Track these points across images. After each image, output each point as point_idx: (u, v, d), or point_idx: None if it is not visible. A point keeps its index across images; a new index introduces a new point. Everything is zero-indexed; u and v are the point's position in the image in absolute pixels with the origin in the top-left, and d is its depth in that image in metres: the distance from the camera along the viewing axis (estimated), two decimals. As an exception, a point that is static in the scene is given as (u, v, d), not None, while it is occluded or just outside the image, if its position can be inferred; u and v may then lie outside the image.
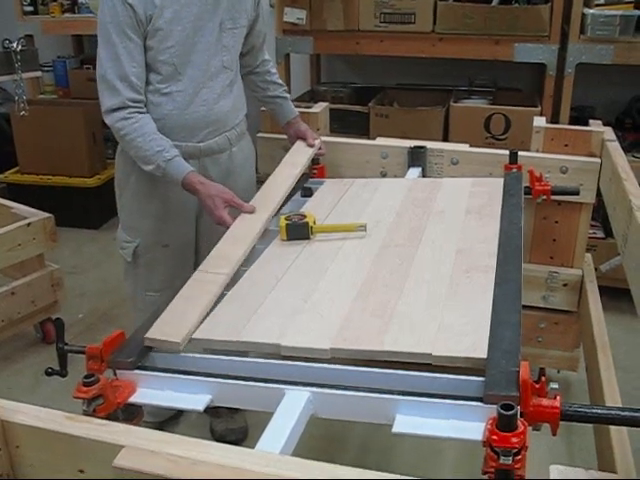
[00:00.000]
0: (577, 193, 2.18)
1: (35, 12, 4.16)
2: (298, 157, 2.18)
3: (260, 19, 2.14)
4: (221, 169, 2.09)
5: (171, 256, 2.12)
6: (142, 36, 1.86)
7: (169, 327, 1.38)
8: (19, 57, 2.96)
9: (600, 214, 3.06)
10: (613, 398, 1.78)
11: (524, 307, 1.41)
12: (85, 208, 4.06)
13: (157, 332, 1.37)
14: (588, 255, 2.48)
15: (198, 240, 2.16)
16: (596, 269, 2.52)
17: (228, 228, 1.81)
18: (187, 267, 2.07)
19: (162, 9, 1.85)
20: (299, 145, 2.27)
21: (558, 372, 2.55)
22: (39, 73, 3.30)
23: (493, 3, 3.14)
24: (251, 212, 1.86)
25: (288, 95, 2.32)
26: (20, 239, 2.69)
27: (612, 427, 1.61)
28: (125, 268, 2.19)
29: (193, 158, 2.01)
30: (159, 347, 1.36)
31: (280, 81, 2.31)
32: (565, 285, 2.37)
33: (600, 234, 3.17)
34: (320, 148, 2.29)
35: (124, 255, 2.14)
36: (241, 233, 1.73)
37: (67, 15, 4.15)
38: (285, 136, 2.39)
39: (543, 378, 1.15)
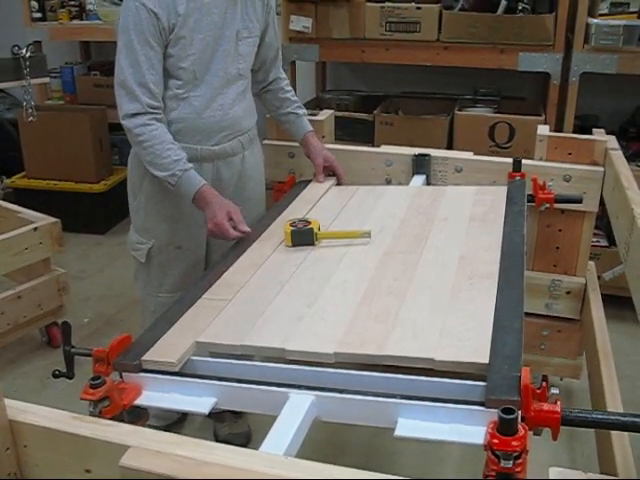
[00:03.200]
0: (580, 201, 2.19)
1: (43, 19, 4.19)
2: (314, 193, 2.19)
3: (271, 31, 2.16)
4: (234, 172, 2.12)
5: (183, 257, 2.13)
6: (163, 44, 1.89)
7: (166, 349, 1.37)
8: (28, 63, 2.98)
9: (603, 222, 3.06)
10: (615, 406, 1.79)
11: (527, 314, 1.43)
12: (91, 213, 4.08)
13: (154, 354, 1.36)
14: (591, 263, 2.49)
15: (209, 242, 2.17)
16: (599, 277, 2.53)
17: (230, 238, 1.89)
18: (199, 268, 2.13)
19: (185, 18, 1.88)
20: (317, 183, 2.28)
21: (561, 380, 2.56)
22: (47, 79, 3.32)
23: (498, 12, 3.15)
24: (243, 233, 1.90)
25: (301, 111, 2.31)
26: (27, 243, 2.71)
27: (613, 432, 1.62)
28: (137, 269, 2.21)
29: (207, 161, 2.05)
30: (157, 368, 1.34)
31: (294, 98, 2.31)
32: (568, 293, 2.38)
33: (603, 242, 3.17)
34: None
35: (137, 256, 2.15)
36: (247, 264, 1.73)
37: (75, 22, 4.18)
38: (290, 143, 2.43)
39: (544, 384, 1.17)
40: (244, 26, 2.03)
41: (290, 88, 2.31)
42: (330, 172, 2.30)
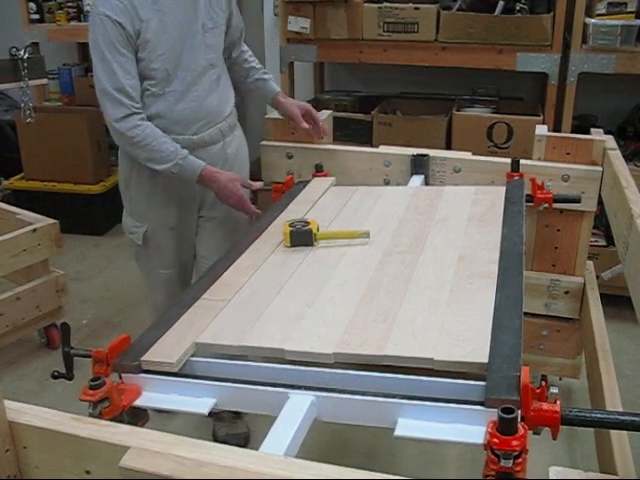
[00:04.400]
0: (578, 201, 2.20)
1: (41, 20, 4.18)
2: (313, 194, 2.20)
3: (234, 16, 2.26)
4: (215, 160, 2.19)
5: (177, 237, 2.28)
6: (133, 50, 1.99)
7: (165, 350, 1.37)
8: (26, 65, 2.97)
9: (602, 222, 3.07)
10: (614, 406, 1.79)
11: (526, 314, 1.42)
12: (89, 215, 4.08)
13: (153, 355, 1.36)
14: (590, 263, 2.49)
15: (199, 223, 2.33)
16: (598, 277, 2.53)
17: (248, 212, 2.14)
18: (189, 245, 2.33)
19: (148, 22, 1.98)
20: (315, 182, 2.30)
21: (560, 379, 2.56)
22: (45, 81, 3.31)
23: (496, 13, 3.15)
24: (260, 188, 2.24)
25: (267, 76, 2.40)
26: (25, 245, 2.71)
27: (613, 432, 1.62)
28: (136, 251, 2.34)
29: (188, 150, 2.10)
30: (156, 368, 1.34)
31: (258, 65, 2.41)
32: (567, 293, 2.38)
33: (602, 242, 3.17)
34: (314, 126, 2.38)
35: (134, 239, 2.27)
36: (246, 264, 1.73)
37: (73, 23, 4.17)
38: (288, 143, 2.45)
39: (544, 383, 1.17)
40: (209, 17, 2.11)
41: (253, 58, 2.41)
42: (311, 121, 2.36)
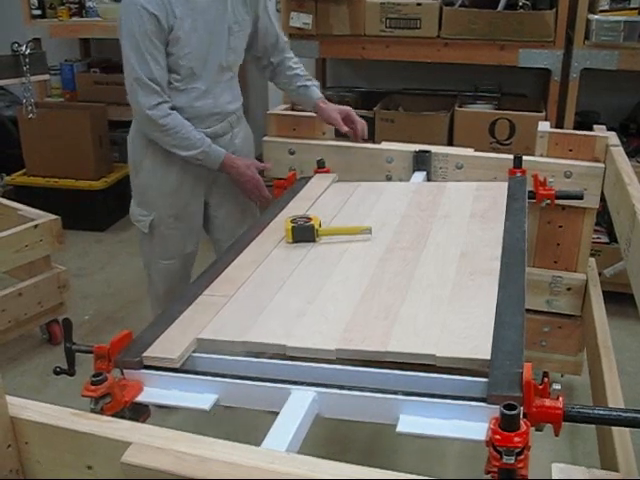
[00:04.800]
0: (581, 197, 2.19)
1: (43, 16, 4.18)
2: (315, 190, 2.20)
3: (264, 21, 2.31)
4: (224, 148, 2.25)
5: (182, 227, 2.33)
6: (164, 43, 2.05)
7: (167, 346, 1.37)
8: (28, 60, 2.97)
9: (604, 219, 3.06)
10: (616, 403, 1.79)
11: (528, 311, 1.42)
12: (91, 211, 4.08)
13: (155, 351, 1.36)
14: (592, 260, 2.49)
15: (208, 211, 2.40)
16: (600, 274, 2.53)
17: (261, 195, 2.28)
18: (194, 238, 2.39)
19: (182, 20, 2.04)
20: (317, 179, 2.30)
21: (562, 376, 2.56)
22: (47, 76, 3.31)
23: (498, 9, 3.14)
24: (270, 168, 2.38)
25: (309, 83, 2.40)
26: (27, 241, 2.71)
27: (614, 429, 1.62)
28: (141, 239, 2.40)
29: None
30: (157, 364, 1.34)
31: (302, 72, 2.41)
32: (569, 289, 2.38)
33: (604, 239, 3.17)
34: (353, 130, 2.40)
35: (141, 227, 2.33)
36: (248, 260, 1.73)
37: (75, 19, 4.17)
38: (290, 139, 2.47)
39: (546, 379, 1.17)
40: (235, 20, 2.18)
41: (298, 65, 2.42)
42: (351, 124, 2.38)
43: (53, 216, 2.82)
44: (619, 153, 2.14)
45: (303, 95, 2.40)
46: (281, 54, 2.39)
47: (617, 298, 2.64)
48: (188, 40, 2.07)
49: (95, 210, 4.09)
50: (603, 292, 2.36)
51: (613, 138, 2.27)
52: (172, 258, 2.37)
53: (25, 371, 2.82)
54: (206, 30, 2.10)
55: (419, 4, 3.12)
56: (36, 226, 2.74)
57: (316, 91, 2.40)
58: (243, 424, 2.13)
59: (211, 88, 2.18)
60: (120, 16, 2.05)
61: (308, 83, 2.40)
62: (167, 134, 2.12)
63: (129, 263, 3.73)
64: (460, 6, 3.21)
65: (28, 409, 1.11)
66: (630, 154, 3.01)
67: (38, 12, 4.17)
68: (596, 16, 2.89)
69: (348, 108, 2.41)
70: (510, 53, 3.09)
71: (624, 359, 2.63)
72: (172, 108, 2.13)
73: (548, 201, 2.18)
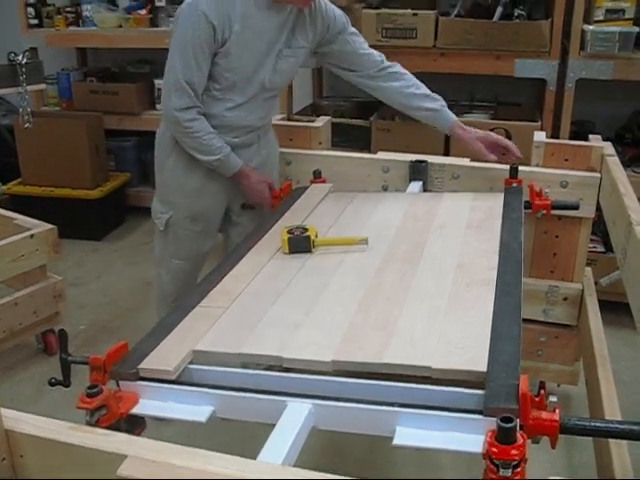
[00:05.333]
0: (577, 208, 2.19)
1: (40, 25, 4.19)
2: (311, 200, 2.20)
3: (340, 45, 2.28)
4: (250, 158, 2.29)
5: (197, 230, 2.34)
6: (213, 53, 2.08)
7: (163, 357, 1.37)
8: (24, 70, 2.97)
9: (600, 228, 3.07)
10: (613, 413, 1.79)
11: (524, 321, 1.42)
12: (88, 220, 4.07)
13: (151, 362, 1.35)
14: (588, 269, 2.49)
15: (231, 215, 2.42)
16: (596, 283, 2.53)
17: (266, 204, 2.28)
18: (210, 241, 2.40)
19: (238, 36, 2.06)
20: (313, 189, 2.30)
21: (558, 386, 2.56)
22: (43, 86, 3.31)
23: (494, 19, 3.16)
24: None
25: (436, 105, 2.30)
26: (23, 250, 2.70)
27: (611, 440, 1.62)
28: (156, 235, 2.42)
29: None
30: (153, 376, 1.34)
31: (420, 91, 2.30)
32: (565, 299, 2.38)
33: (600, 248, 3.18)
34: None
35: (157, 224, 2.36)
36: (245, 271, 1.73)
37: (72, 28, 4.18)
38: (287, 149, 2.47)
39: (542, 391, 1.16)
40: (287, 45, 2.19)
41: (409, 78, 2.32)
42: (503, 150, 2.29)
43: (49, 226, 2.81)
44: (615, 163, 2.15)
45: (432, 119, 2.32)
46: (378, 74, 2.31)
47: (613, 307, 2.64)
48: (238, 56, 2.09)
49: (91, 219, 4.09)
50: (599, 301, 2.36)
51: (609, 148, 2.28)
52: (184, 259, 2.38)
53: (21, 381, 2.81)
54: (257, 50, 2.12)
55: (415, 14, 3.14)
56: (32, 236, 2.73)
57: (446, 114, 2.29)
58: (240, 434, 2.13)
59: (246, 103, 2.19)
60: (177, 16, 2.08)
61: (431, 105, 2.29)
62: (189, 136, 2.14)
63: (125, 272, 3.72)
64: (456, 16, 3.23)
65: (23, 422, 1.10)
66: (626, 163, 3.03)
67: (35, 21, 4.18)
68: (591, 27, 2.91)
69: (490, 134, 2.30)
70: (506, 63, 3.11)
71: (620, 368, 2.63)
72: (203, 114, 2.15)
73: (544, 211, 2.18)
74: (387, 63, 2.33)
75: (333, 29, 2.24)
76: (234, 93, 2.16)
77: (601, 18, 2.90)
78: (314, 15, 2.19)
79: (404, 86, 2.31)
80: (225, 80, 2.13)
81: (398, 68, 2.34)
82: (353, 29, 2.31)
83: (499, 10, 3.17)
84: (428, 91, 2.32)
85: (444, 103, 2.32)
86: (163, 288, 2.46)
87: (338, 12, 2.26)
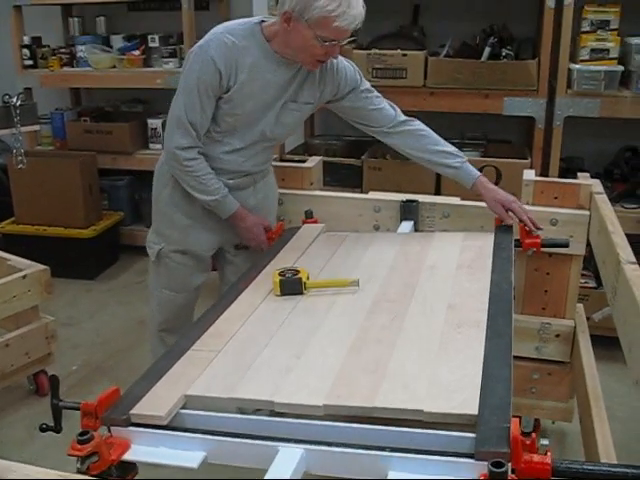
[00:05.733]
0: (567, 245, 2.21)
1: (35, 66, 4.24)
2: (303, 241, 2.22)
3: (351, 102, 2.26)
4: (244, 201, 2.28)
5: (188, 264, 2.34)
6: (217, 97, 2.10)
7: (155, 403, 1.36)
8: (18, 112, 3.00)
9: (592, 264, 3.07)
10: (607, 451, 1.78)
11: (517, 358, 1.43)
12: (81, 259, 4.06)
13: (143, 408, 1.35)
14: (580, 305, 2.50)
15: (225, 254, 2.42)
16: (588, 318, 2.53)
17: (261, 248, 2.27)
18: (200, 276, 2.39)
19: (242, 85, 2.08)
20: (305, 229, 2.32)
21: (553, 423, 2.55)
22: (37, 127, 3.35)
23: (482, 58, 3.22)
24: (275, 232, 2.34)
25: (456, 161, 2.26)
26: (15, 291, 2.70)
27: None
28: (150, 266, 2.43)
29: None
30: (145, 421, 1.33)
31: (438, 147, 2.28)
32: (557, 336, 2.38)
33: (592, 284, 3.19)
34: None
35: (150, 254, 2.37)
36: (237, 313, 1.74)
37: (66, 69, 4.23)
38: (279, 190, 2.48)
39: (534, 435, 1.17)
40: (293, 99, 2.18)
41: (428, 133, 2.30)
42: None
43: (42, 266, 2.81)
44: (603, 200, 2.17)
45: (453, 176, 2.27)
46: (392, 132, 2.30)
47: (606, 342, 2.64)
48: (241, 105, 2.10)
49: (84, 258, 4.08)
50: (592, 336, 2.37)
51: (597, 186, 2.31)
52: (174, 290, 2.38)
53: (11, 423, 2.79)
54: (262, 100, 2.13)
55: (404, 55, 3.19)
56: (24, 276, 2.73)
57: (468, 171, 2.25)
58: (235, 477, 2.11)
59: (246, 148, 2.21)
60: (189, 56, 2.11)
61: (451, 162, 2.25)
62: (187, 175, 2.16)
63: (118, 312, 3.71)
64: (445, 56, 3.28)
65: (13, 471, 1.09)
66: (614, 199, 3.06)
67: (30, 62, 4.23)
68: (577, 66, 2.96)
69: (510, 198, 2.19)
70: (495, 101, 3.16)
71: (614, 404, 2.63)
72: (201, 154, 2.16)
73: (534, 249, 2.19)
74: (402, 118, 2.29)
75: (344, 88, 2.23)
76: (233, 137, 2.18)
77: (586, 57, 2.96)
78: (324, 73, 2.18)
79: (422, 144, 2.28)
80: (225, 124, 2.14)
81: (416, 125, 2.30)
82: (367, 85, 2.28)
83: (487, 50, 3.23)
84: (448, 147, 2.28)
85: (464, 159, 2.27)
86: (153, 316, 2.47)
87: (350, 70, 2.24)
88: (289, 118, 2.21)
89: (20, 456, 1.13)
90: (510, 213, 2.20)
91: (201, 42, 2.08)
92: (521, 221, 2.18)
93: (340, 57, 2.19)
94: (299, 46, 2.01)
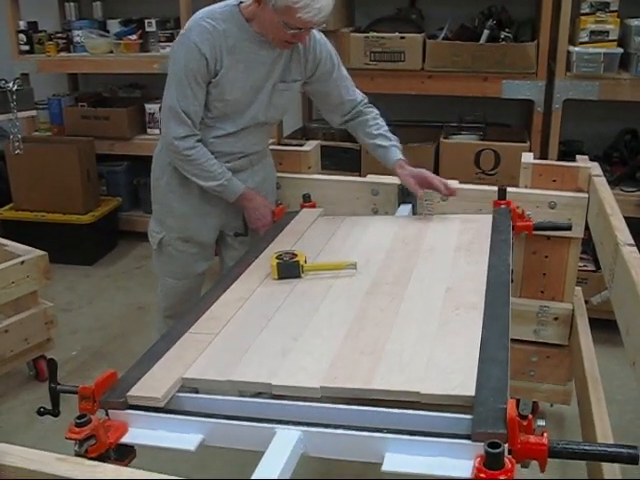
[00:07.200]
0: (569, 228, 2.20)
1: (31, 51, 4.21)
2: (300, 226, 2.21)
3: (325, 83, 2.28)
4: (244, 184, 2.27)
5: (190, 251, 2.35)
6: (206, 82, 2.10)
7: (152, 385, 1.37)
8: (15, 97, 2.98)
9: (591, 247, 3.07)
10: (604, 433, 1.79)
11: (515, 341, 1.43)
12: (79, 245, 4.06)
13: (140, 390, 1.35)
14: (578, 289, 2.50)
15: (225, 237, 2.41)
16: (587, 302, 2.54)
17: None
18: (203, 263, 2.39)
19: (227, 70, 2.08)
20: (304, 213, 2.31)
21: (551, 406, 2.56)
22: (34, 112, 3.32)
23: (481, 41, 3.20)
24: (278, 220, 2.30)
25: (386, 143, 2.31)
26: (14, 277, 2.70)
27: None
28: (153, 252, 2.44)
29: None
30: (142, 403, 1.33)
31: (377, 131, 2.33)
32: (556, 319, 2.38)
33: (591, 267, 3.18)
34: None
35: (151, 242, 2.38)
36: (234, 297, 1.74)
37: (63, 54, 4.20)
38: (277, 173, 2.47)
39: (530, 415, 1.17)
40: (282, 79, 2.20)
41: (375, 122, 2.35)
42: (429, 186, 2.25)
43: (40, 252, 2.81)
44: (602, 183, 2.17)
45: (381, 156, 2.33)
46: (350, 114, 2.35)
47: (605, 325, 2.63)
48: (229, 89, 2.11)
49: (83, 244, 4.07)
50: (590, 319, 2.37)
51: (596, 168, 2.30)
52: (178, 278, 2.38)
53: (11, 408, 2.79)
54: (250, 83, 2.13)
55: (402, 37, 3.18)
56: (23, 262, 2.73)
57: (394, 153, 2.30)
58: (233, 460, 2.12)
59: (239, 133, 2.21)
60: (174, 47, 2.13)
61: (385, 143, 2.32)
62: (190, 164, 2.16)
63: (117, 298, 3.71)
64: (443, 39, 3.26)
65: (11, 455, 1.10)
66: (614, 182, 3.06)
67: (26, 47, 4.20)
68: (576, 48, 2.95)
69: (422, 171, 2.26)
70: (493, 84, 3.14)
71: (613, 387, 2.63)
72: (199, 141, 2.16)
73: (526, 232, 2.19)
74: (363, 107, 2.35)
75: (323, 66, 2.25)
76: (225, 123, 2.17)
77: (586, 40, 2.94)
78: (307, 49, 2.19)
79: (370, 130, 2.33)
80: (216, 110, 2.14)
81: (369, 114, 2.35)
82: (344, 72, 2.32)
83: (486, 33, 3.21)
84: (387, 132, 2.34)
85: (396, 144, 2.33)
86: (159, 302, 2.49)
87: (332, 51, 2.27)
88: (281, 99, 2.23)
89: (20, 441, 1.13)
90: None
91: (183, 30, 2.09)
92: (433, 187, 2.23)
93: (322, 37, 2.23)
94: (268, 27, 2.04)
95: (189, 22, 2.09)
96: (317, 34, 2.21)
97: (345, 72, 2.33)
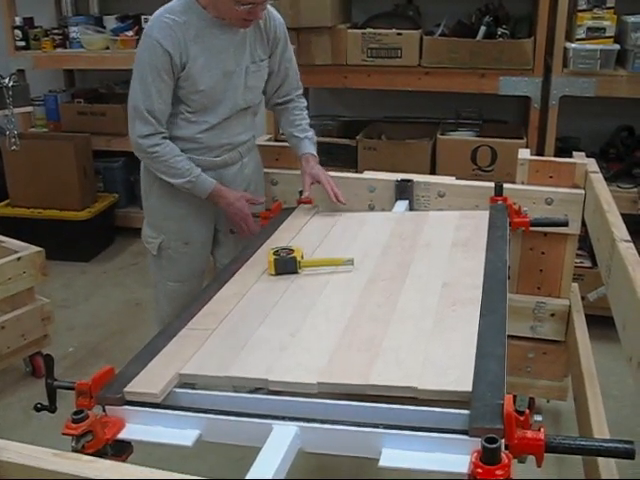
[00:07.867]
0: (566, 224, 2.20)
1: (27, 47, 4.20)
2: (297, 222, 2.21)
3: (274, 63, 2.30)
4: (234, 179, 2.32)
5: (191, 252, 2.35)
6: (175, 78, 2.10)
7: (149, 381, 1.37)
8: (11, 93, 2.98)
9: (587, 243, 3.08)
10: (601, 429, 1.79)
11: (512, 337, 1.43)
12: (76, 241, 4.05)
13: (137, 386, 1.35)
14: (575, 285, 2.50)
15: (217, 237, 2.42)
16: (584, 298, 2.54)
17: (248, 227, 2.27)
18: (203, 260, 2.42)
19: (195, 59, 2.09)
20: (300, 210, 2.31)
21: (548, 402, 2.56)
22: (30, 108, 3.33)
23: (477, 38, 3.20)
24: (262, 202, 2.36)
25: (302, 135, 2.37)
26: (10, 273, 2.70)
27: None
28: (150, 260, 2.43)
29: (210, 169, 2.25)
30: (139, 399, 1.34)
31: (299, 122, 2.39)
32: (552, 315, 2.38)
33: (588, 263, 3.19)
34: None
35: (150, 249, 2.37)
36: (231, 293, 1.74)
37: (59, 50, 4.19)
38: (273, 170, 2.50)
39: (527, 410, 1.17)
40: (252, 60, 2.22)
41: (299, 113, 2.41)
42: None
43: (37, 248, 2.81)
44: (598, 180, 2.17)
45: (293, 146, 2.40)
46: (284, 98, 2.40)
47: (600, 322, 2.64)
48: (201, 79, 2.10)
49: (80, 240, 4.07)
50: (587, 316, 2.37)
51: (592, 165, 2.30)
52: (180, 281, 2.38)
53: (9, 404, 2.79)
54: (221, 70, 2.13)
55: (399, 34, 3.17)
56: (19, 258, 2.73)
57: (305, 146, 2.36)
58: (230, 455, 2.12)
59: (223, 123, 2.21)
60: (138, 46, 2.13)
61: (300, 134, 2.37)
62: (155, 161, 2.15)
63: (114, 294, 3.71)
64: (440, 35, 3.26)
65: (7, 450, 1.10)
66: (610, 179, 3.05)
67: (22, 44, 4.19)
68: (573, 44, 2.95)
69: (319, 173, 2.32)
70: (490, 81, 3.14)
71: (610, 383, 2.64)
72: (180, 138, 2.17)
73: (523, 228, 2.19)
74: (296, 97, 2.42)
75: (279, 47, 2.28)
76: (207, 115, 2.18)
77: (583, 36, 2.94)
78: (269, 29, 2.23)
79: (293, 119, 2.39)
80: (194, 103, 2.14)
81: (298, 103, 2.42)
82: (292, 55, 2.37)
83: (483, 29, 3.21)
84: (305, 125, 2.40)
85: (311, 137, 2.39)
86: (161, 310, 2.46)
87: (286, 32, 2.31)
88: (254, 81, 2.25)
89: (18, 437, 1.13)
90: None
91: (145, 29, 2.10)
92: (324, 188, 2.29)
93: (280, 17, 2.28)
94: (222, 9, 2.05)
95: (150, 21, 2.09)
96: (275, 13, 2.26)
97: (293, 56, 2.38)
